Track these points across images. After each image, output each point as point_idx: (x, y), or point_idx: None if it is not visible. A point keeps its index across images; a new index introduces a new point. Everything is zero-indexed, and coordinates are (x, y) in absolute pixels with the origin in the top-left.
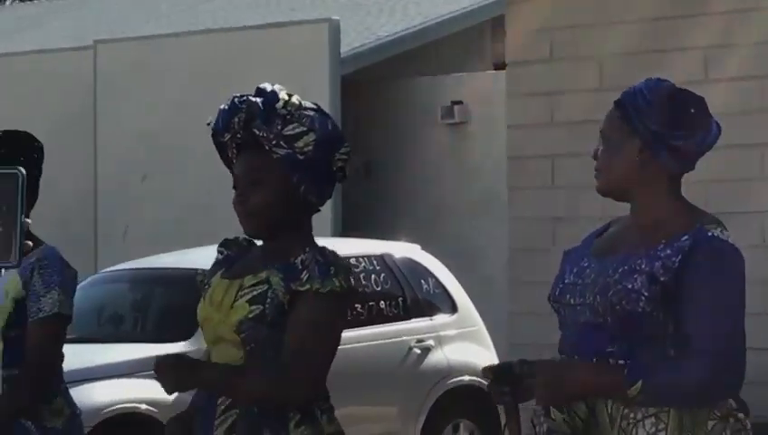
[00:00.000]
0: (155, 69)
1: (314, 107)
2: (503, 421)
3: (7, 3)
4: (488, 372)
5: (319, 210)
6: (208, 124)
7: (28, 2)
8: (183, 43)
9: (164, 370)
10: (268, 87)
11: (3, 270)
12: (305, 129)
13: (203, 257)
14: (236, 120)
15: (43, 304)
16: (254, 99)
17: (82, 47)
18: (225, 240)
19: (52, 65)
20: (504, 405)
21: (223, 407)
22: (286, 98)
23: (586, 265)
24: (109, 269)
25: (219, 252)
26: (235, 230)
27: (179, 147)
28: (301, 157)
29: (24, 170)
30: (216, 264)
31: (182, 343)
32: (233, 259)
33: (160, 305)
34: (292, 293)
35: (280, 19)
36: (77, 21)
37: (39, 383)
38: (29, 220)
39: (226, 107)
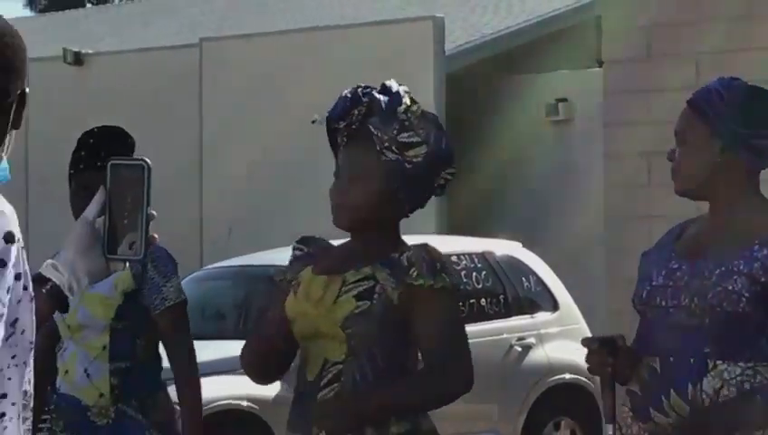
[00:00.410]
0: (260, 66)
1: (434, 119)
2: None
3: (115, 1)
4: (592, 341)
5: (407, 216)
6: (313, 122)
7: (135, 0)
8: (288, 41)
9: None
10: (394, 87)
11: (126, 263)
12: (419, 140)
13: None
14: (356, 111)
15: (167, 293)
16: (377, 95)
17: (188, 45)
18: (304, 237)
19: (158, 63)
20: (603, 375)
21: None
22: (409, 103)
23: (676, 266)
24: (211, 266)
25: (298, 249)
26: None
27: (284, 145)
28: (408, 166)
29: (149, 161)
30: (297, 260)
31: None
32: (315, 256)
33: (263, 302)
34: (405, 286)
35: (385, 17)
36: (183, 19)
37: (195, 366)
38: (154, 212)
39: (349, 95)
